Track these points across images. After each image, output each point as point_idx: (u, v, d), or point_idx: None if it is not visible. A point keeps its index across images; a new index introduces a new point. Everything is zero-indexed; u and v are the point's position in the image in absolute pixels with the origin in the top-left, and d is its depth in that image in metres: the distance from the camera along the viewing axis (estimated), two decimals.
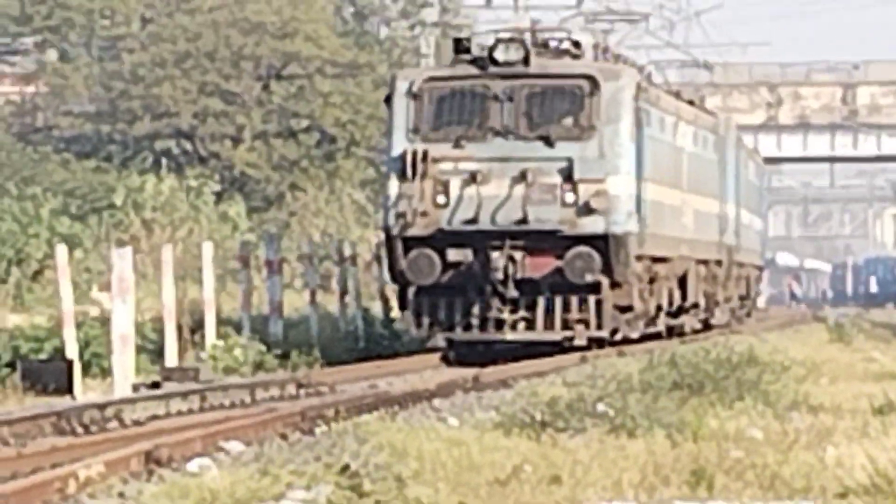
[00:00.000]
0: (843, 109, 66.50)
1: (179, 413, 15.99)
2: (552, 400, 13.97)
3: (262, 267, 30.76)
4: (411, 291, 26.08)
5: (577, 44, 28.45)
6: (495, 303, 25.71)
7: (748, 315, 45.82)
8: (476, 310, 25.89)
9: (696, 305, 33.12)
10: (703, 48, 51.64)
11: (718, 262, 36.46)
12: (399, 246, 25.95)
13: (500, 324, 25.78)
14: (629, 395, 14.58)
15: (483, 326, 25.84)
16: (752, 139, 52.03)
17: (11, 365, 21.79)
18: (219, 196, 56.31)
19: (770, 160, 58.86)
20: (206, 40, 61.22)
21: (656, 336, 29.47)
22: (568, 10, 39.54)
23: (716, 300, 35.88)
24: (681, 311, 32.04)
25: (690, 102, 37.03)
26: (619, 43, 34.45)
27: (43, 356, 22.89)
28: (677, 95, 35.67)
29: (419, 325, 26.35)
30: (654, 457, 10.40)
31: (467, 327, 25.96)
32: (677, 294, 31.43)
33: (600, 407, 13.26)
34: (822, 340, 35.41)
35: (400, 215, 25.92)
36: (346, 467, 8.06)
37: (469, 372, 20.71)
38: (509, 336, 25.82)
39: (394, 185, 26.34)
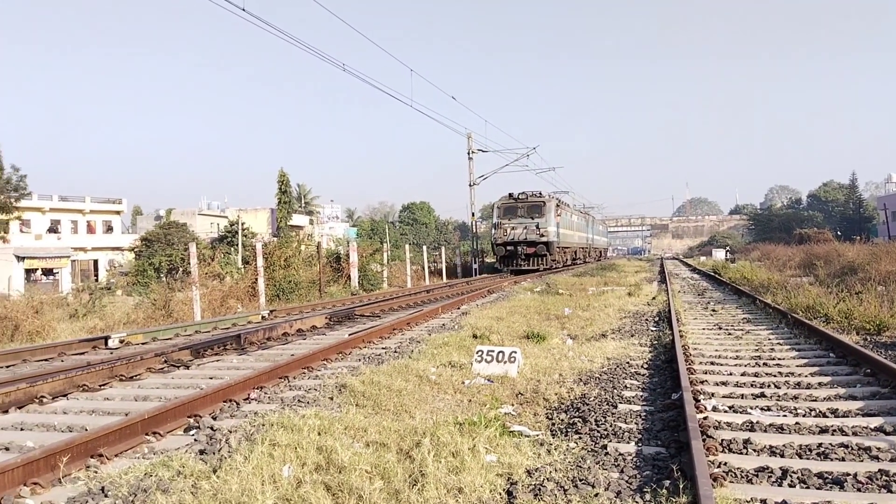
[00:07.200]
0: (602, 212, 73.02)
1: None
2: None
3: None
4: (498, 255, 31.13)
5: (540, 193, 31.59)
6: (520, 258, 30.38)
7: (605, 258, 53.08)
8: (514, 261, 30.55)
9: (579, 257, 39.25)
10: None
11: (586, 248, 41.99)
12: (496, 246, 31.00)
13: (520, 263, 30.40)
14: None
15: (517, 264, 30.53)
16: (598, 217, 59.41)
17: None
18: None
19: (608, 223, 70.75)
20: None
21: (571, 266, 34.78)
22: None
23: (586, 258, 42.09)
24: (575, 260, 37.50)
25: (579, 208, 46.02)
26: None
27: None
28: (572, 205, 41.27)
29: (503, 265, 31.37)
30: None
31: (513, 265, 30.69)
32: (574, 256, 37.26)
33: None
34: (630, 263, 43.76)
35: (496, 239, 30.90)
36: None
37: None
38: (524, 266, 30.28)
39: (495, 230, 31.17)
